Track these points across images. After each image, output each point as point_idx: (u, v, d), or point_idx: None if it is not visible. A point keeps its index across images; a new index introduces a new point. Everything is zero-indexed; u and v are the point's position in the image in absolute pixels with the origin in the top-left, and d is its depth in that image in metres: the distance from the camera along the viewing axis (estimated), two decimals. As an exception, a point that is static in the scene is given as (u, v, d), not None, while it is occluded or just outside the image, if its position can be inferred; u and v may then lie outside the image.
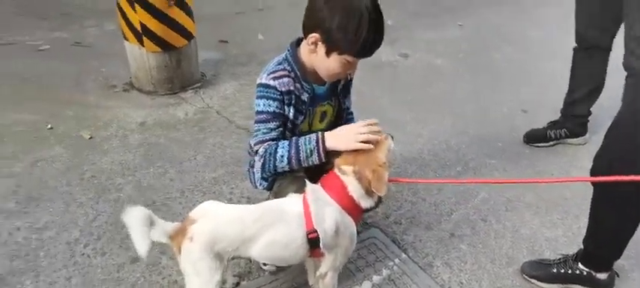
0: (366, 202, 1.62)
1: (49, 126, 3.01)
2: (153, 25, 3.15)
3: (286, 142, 1.72)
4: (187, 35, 3.37)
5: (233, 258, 1.66)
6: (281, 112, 1.74)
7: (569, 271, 1.98)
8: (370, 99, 3.63)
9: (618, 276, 2.01)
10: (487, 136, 3.21)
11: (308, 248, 1.60)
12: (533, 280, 2.05)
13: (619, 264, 2.15)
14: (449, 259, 2.18)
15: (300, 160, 1.70)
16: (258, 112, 1.75)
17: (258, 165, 1.76)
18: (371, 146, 1.61)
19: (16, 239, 2.15)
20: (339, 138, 1.66)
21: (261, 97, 1.73)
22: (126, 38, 3.33)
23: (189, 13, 3.34)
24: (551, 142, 3.09)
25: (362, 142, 1.61)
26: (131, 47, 3.34)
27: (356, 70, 1.78)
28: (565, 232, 2.37)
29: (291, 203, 1.61)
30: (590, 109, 3.02)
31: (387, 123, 3.22)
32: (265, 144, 1.73)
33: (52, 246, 2.13)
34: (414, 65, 4.32)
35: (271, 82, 1.71)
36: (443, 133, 3.21)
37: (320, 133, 1.70)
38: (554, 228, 2.40)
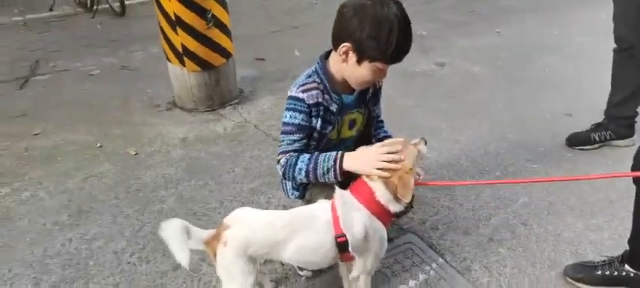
0: (394, 207, 1.63)
1: (99, 144, 3.20)
2: (193, 46, 3.30)
3: (307, 156, 1.77)
4: (226, 54, 3.51)
5: (266, 261, 1.70)
6: (306, 124, 1.79)
7: (615, 273, 1.90)
8: (403, 108, 3.64)
9: (668, 278, 1.91)
10: (527, 141, 3.14)
11: (337, 252, 1.62)
12: (577, 284, 1.97)
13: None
14: (488, 263, 2.13)
15: (317, 176, 1.75)
16: (285, 124, 1.81)
17: (279, 172, 1.82)
18: (388, 175, 1.59)
19: (68, 250, 2.29)
20: (358, 161, 1.69)
21: (288, 109, 1.80)
22: (168, 59, 3.51)
23: (227, 33, 3.48)
24: (596, 145, 2.98)
25: (381, 168, 1.61)
26: (173, 68, 3.51)
27: (385, 77, 1.80)
28: (611, 235, 2.27)
29: (319, 209, 1.65)
30: (637, 110, 2.91)
31: (420, 131, 3.24)
32: (287, 155, 1.79)
33: (101, 255, 2.25)
34: (450, 74, 4.28)
35: (300, 95, 1.76)
36: (480, 140, 3.16)
37: (340, 153, 1.74)
38: (598, 231, 2.31)
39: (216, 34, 3.35)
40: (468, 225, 2.38)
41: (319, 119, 1.79)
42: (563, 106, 3.56)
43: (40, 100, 3.91)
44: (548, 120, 3.40)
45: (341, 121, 1.90)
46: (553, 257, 2.15)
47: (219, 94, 3.58)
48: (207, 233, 1.64)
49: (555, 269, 2.08)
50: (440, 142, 3.14)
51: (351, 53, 1.68)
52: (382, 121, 2.15)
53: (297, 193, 1.96)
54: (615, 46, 2.77)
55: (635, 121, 2.95)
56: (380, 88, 2.00)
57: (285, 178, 1.83)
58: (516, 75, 4.21)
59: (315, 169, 1.74)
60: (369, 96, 1.93)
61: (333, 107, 1.81)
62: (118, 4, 6.22)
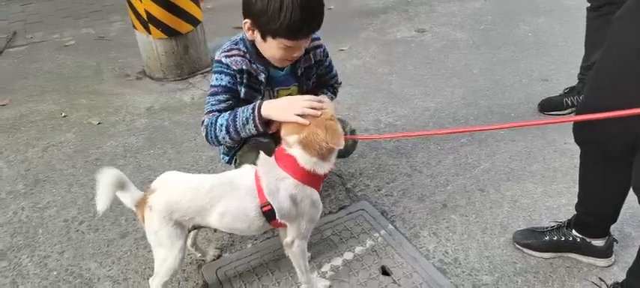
0: (322, 168, 1.56)
1: (63, 114, 3.16)
2: (157, 12, 3.22)
3: (228, 112, 1.71)
4: (193, 21, 3.43)
5: (195, 227, 1.67)
6: (232, 87, 1.74)
7: (562, 238, 1.84)
8: (380, 76, 3.55)
9: (617, 242, 1.85)
10: (500, 107, 3.05)
11: (265, 220, 1.58)
12: (525, 249, 1.92)
13: (626, 231, 2.00)
14: (437, 229, 2.08)
15: (237, 130, 1.68)
16: (211, 86, 1.77)
17: (203, 135, 1.76)
18: (306, 122, 1.50)
19: (19, 218, 2.27)
20: (276, 107, 1.61)
21: (215, 73, 1.76)
22: (135, 27, 3.43)
23: (193, -1, 3.39)
24: (568, 110, 2.89)
25: (300, 115, 1.52)
26: (140, 36, 3.44)
27: (302, 50, 1.73)
28: (569, 201, 2.20)
29: (243, 175, 1.58)
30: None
31: (392, 98, 3.18)
32: (211, 115, 1.74)
33: (51, 223, 2.23)
34: (431, 40, 4.16)
35: (224, 60, 1.73)
36: (450, 106, 3.08)
37: (259, 101, 1.67)
38: (557, 197, 2.24)
39: (181, 0, 3.26)
40: (423, 192, 2.32)
41: (243, 86, 1.75)
42: (540, 71, 3.46)
43: (12, 72, 3.87)
44: (524, 85, 3.30)
45: (277, 96, 1.85)
46: (505, 223, 2.10)
47: (188, 63, 3.51)
48: (139, 194, 1.61)
49: (505, 235, 2.03)
50: (410, 109, 3.07)
51: (255, 30, 1.65)
52: (334, 77, 2.07)
53: (227, 158, 1.92)
54: (588, 4, 2.65)
55: (610, 85, 2.84)
56: (317, 61, 1.92)
57: (208, 141, 1.77)
58: (498, 39, 4.09)
59: (234, 121, 1.68)
60: (301, 71, 1.86)
61: (261, 76, 1.76)
62: (101, -26, 6.11)
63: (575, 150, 2.51)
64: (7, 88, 3.58)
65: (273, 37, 1.61)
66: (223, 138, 1.73)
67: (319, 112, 1.51)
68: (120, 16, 5.03)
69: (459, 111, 3.02)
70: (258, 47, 1.73)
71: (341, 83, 2.11)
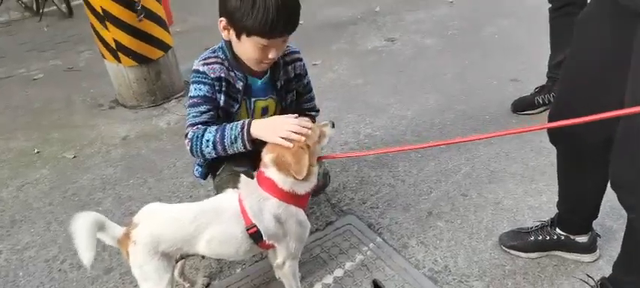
0: (301, 188, 1.57)
1: (36, 150, 3.08)
2: (126, 40, 3.18)
3: (214, 127, 1.70)
4: (163, 47, 3.40)
5: (182, 257, 1.64)
6: (212, 96, 1.73)
7: (547, 238, 1.88)
8: (354, 87, 3.58)
9: (600, 237, 1.90)
10: (474, 110, 3.11)
11: (252, 242, 1.57)
12: (512, 251, 1.96)
13: (608, 225, 2.05)
14: (425, 238, 2.10)
15: (225, 146, 1.67)
16: (190, 97, 1.76)
17: (187, 148, 1.74)
18: (290, 145, 1.52)
19: (-3, 262, 2.20)
20: (266, 127, 1.61)
21: (193, 83, 1.75)
22: (104, 57, 3.38)
23: (162, 25, 3.36)
24: (540, 109, 2.97)
25: (285, 138, 1.54)
26: (110, 65, 3.39)
27: (278, 52, 1.70)
28: (549, 198, 2.25)
29: (226, 200, 1.58)
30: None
31: (369, 109, 3.21)
32: (194, 128, 1.72)
33: (32, 264, 2.16)
34: (401, 49, 4.23)
35: (201, 68, 1.72)
36: (427, 113, 3.13)
37: (248, 120, 1.67)
38: (538, 195, 2.29)
39: (149, 27, 3.23)
40: (408, 201, 2.34)
41: (222, 94, 1.74)
42: (510, 72, 3.55)
43: (-22, 110, 3.76)
44: (495, 87, 3.38)
45: (254, 106, 1.84)
46: (491, 226, 2.13)
47: (161, 88, 3.47)
48: (121, 231, 1.57)
49: (492, 238, 2.06)
50: (388, 119, 3.10)
51: (230, 29, 1.64)
52: (311, 100, 2.07)
53: (200, 170, 1.93)
54: (549, 5, 2.74)
55: (578, 82, 2.94)
56: (297, 75, 1.92)
57: (193, 154, 1.75)
58: (466, 44, 4.18)
59: (222, 138, 1.67)
60: (280, 84, 1.86)
61: (239, 84, 1.76)
62: (64, 5, 6.01)
63: (552, 148, 2.56)
64: (-26, 127, 3.47)
65: (248, 34, 1.59)
66: (209, 153, 1.71)
67: (303, 138, 1.52)
68: (87, 45, 4.94)
69: (435, 117, 3.07)
70: (235, 49, 1.72)
71: (319, 112, 2.11)
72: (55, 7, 6.17)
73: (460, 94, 3.33)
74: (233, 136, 1.65)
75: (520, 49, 3.95)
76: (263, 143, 1.62)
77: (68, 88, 3.99)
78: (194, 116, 1.73)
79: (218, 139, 1.67)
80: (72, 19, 6.05)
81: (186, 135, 1.74)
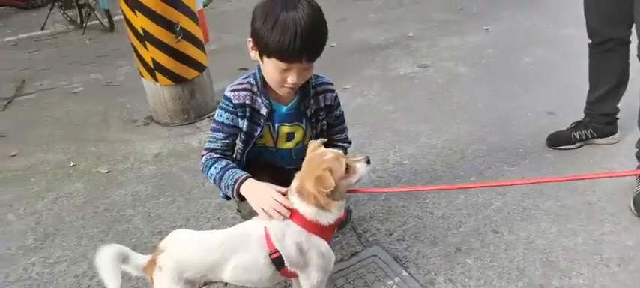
0: (325, 218, 1.56)
1: (72, 163, 3.18)
2: (163, 60, 3.28)
3: (221, 165, 1.80)
4: (199, 67, 3.47)
5: (205, 284, 1.65)
6: (230, 124, 1.82)
7: None
8: (384, 113, 3.57)
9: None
10: (507, 142, 3.04)
11: (274, 268, 1.57)
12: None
13: None
14: (453, 275, 2.05)
15: (221, 188, 1.81)
16: (214, 121, 1.86)
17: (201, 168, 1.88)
18: (267, 218, 1.59)
19: (30, 274, 2.26)
20: (252, 193, 1.69)
21: (219, 107, 1.84)
22: (142, 75, 3.48)
23: (199, 45, 3.44)
24: (577, 144, 2.88)
25: (265, 211, 1.60)
26: (147, 83, 3.49)
27: (298, 78, 1.69)
28: (585, 240, 2.17)
29: (252, 226, 1.61)
30: (618, 106, 2.79)
31: (399, 137, 3.18)
32: (208, 154, 1.84)
33: (62, 279, 2.21)
34: (434, 75, 4.19)
35: (228, 94, 1.81)
36: (458, 143, 3.08)
37: (243, 177, 1.74)
38: (572, 236, 2.21)
39: (186, 47, 3.32)
40: (436, 234, 2.29)
41: (245, 120, 1.81)
42: (546, 104, 3.46)
43: (21, 121, 3.91)
44: (530, 119, 3.30)
45: (278, 131, 1.87)
46: (522, 267, 2.06)
47: (194, 107, 3.54)
48: (144, 259, 1.60)
49: (523, 279, 1.99)
50: (417, 148, 3.06)
51: (256, 49, 1.69)
52: (347, 144, 2.10)
53: (221, 193, 1.99)
54: (589, 40, 2.67)
55: (617, 118, 2.84)
56: (328, 106, 1.93)
57: (203, 173, 1.89)
58: (501, 73, 4.11)
59: (220, 180, 1.79)
60: (310, 112, 1.87)
61: (263, 110, 1.80)
62: (106, 19, 6.24)
63: (587, 186, 2.53)
64: (16, 137, 3.62)
65: (268, 56, 1.63)
66: (210, 182, 1.87)
67: (281, 217, 1.57)
68: (126, 60, 5.11)
69: (466, 148, 3.01)
70: (262, 70, 1.76)
71: (351, 144, 2.12)
72: (97, 22, 6.42)
73: (493, 125, 3.26)
74: (226, 185, 1.77)
75: (557, 80, 3.85)
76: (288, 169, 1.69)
77: (106, 103, 4.12)
78: (211, 142, 1.86)
79: (217, 180, 1.80)
80: (113, 34, 6.27)
81: (201, 156, 1.88)
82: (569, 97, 3.50)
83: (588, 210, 2.38)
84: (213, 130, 1.85)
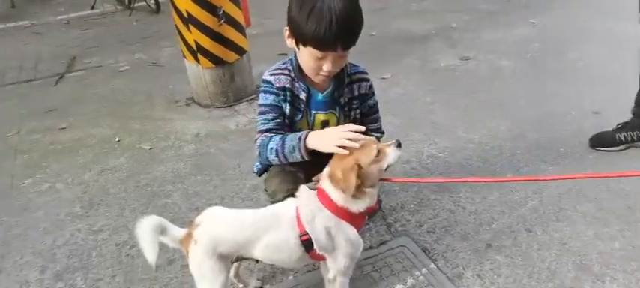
0: (356, 207, 1.59)
1: (118, 139, 3.32)
2: (206, 43, 3.36)
3: (279, 136, 1.78)
4: (239, 51, 3.54)
5: (237, 259, 1.72)
6: (277, 104, 1.83)
7: None
8: (420, 105, 3.54)
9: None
10: (548, 141, 2.97)
11: (303, 250, 1.61)
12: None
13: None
14: (481, 270, 2.04)
15: (285, 155, 1.74)
16: (259, 105, 1.87)
17: (256, 153, 1.86)
18: (345, 152, 1.56)
19: (75, 240, 2.40)
20: (321, 139, 1.66)
21: (261, 91, 1.86)
22: (184, 57, 3.58)
23: (240, 30, 3.51)
24: (621, 146, 2.78)
25: (341, 146, 1.58)
26: (189, 65, 3.59)
27: (333, 66, 1.71)
28: (622, 246, 2.11)
29: (285, 207, 1.65)
30: (668, 108, 2.68)
31: (435, 129, 3.16)
32: (263, 135, 1.82)
33: (104, 246, 2.34)
34: (475, 68, 4.11)
35: (268, 77, 1.84)
36: (496, 139, 3.03)
37: (306, 132, 1.72)
38: (609, 241, 2.15)
39: (228, 31, 3.39)
40: (467, 229, 2.28)
41: (287, 104, 1.83)
42: (592, 103, 3.35)
43: (71, 96, 4.11)
44: (573, 118, 3.20)
45: (314, 119, 1.90)
46: (553, 268, 2.03)
47: (234, 90, 3.62)
48: (181, 232, 1.68)
49: (554, 281, 1.96)
50: (453, 141, 3.03)
51: (292, 38, 1.71)
52: (376, 121, 2.09)
53: (259, 167, 2.05)
54: (643, 38, 2.57)
55: (667, 121, 2.72)
56: (362, 95, 1.94)
57: (260, 159, 1.88)
58: (546, 68, 3.99)
59: (283, 147, 1.75)
60: (344, 100, 1.89)
61: (302, 95, 1.83)
62: (153, 1, 6.42)
63: (630, 190, 2.45)
64: (66, 111, 3.80)
65: (304, 44, 1.65)
66: (273, 160, 1.80)
67: (357, 144, 1.55)
68: (170, 42, 5.24)
69: (505, 144, 2.96)
70: (298, 58, 1.79)
71: (384, 134, 2.11)
72: (144, 3, 6.61)
73: (534, 122, 3.19)
74: (291, 147, 1.72)
75: (605, 79, 3.71)
76: (320, 155, 1.66)
77: (150, 82, 4.27)
78: (262, 124, 1.84)
79: (279, 149, 1.75)
80: (158, 16, 6.45)
81: (255, 141, 1.85)
82: (617, 96, 3.36)
83: (628, 215, 2.30)
84: (262, 113, 1.85)
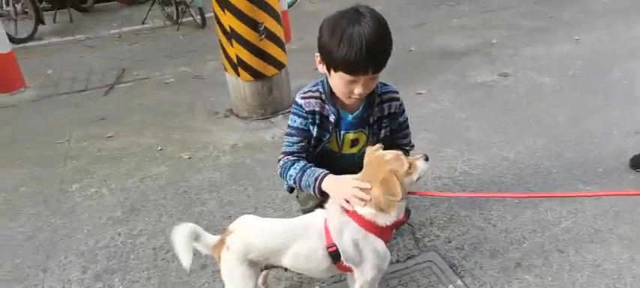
0: (383, 220, 1.63)
1: (159, 148, 3.49)
2: (246, 57, 3.49)
3: (299, 166, 1.88)
4: (278, 65, 3.65)
5: (267, 267, 1.78)
6: (304, 128, 1.91)
7: None
8: (455, 121, 3.52)
9: None
10: (586, 160, 2.89)
11: (330, 261, 1.66)
12: None
13: None
14: (509, 289, 2.02)
15: (301, 186, 1.87)
16: (288, 126, 1.96)
17: (278, 171, 1.97)
18: (350, 207, 1.65)
19: (115, 243, 2.54)
20: (334, 187, 1.76)
21: (292, 113, 1.94)
22: (226, 70, 3.73)
23: (280, 44, 3.62)
24: (664, 168, 2.68)
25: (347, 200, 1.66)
26: (230, 78, 3.73)
27: (364, 89, 1.76)
28: (660, 271, 2.04)
29: (314, 218, 1.71)
30: None
31: (469, 146, 3.15)
32: (285, 158, 1.92)
33: (142, 250, 2.46)
34: (513, 85, 4.05)
35: (299, 101, 1.91)
36: (532, 157, 2.98)
37: (322, 174, 1.81)
38: (647, 265, 2.08)
39: (268, 46, 3.51)
40: (497, 247, 2.26)
41: (315, 127, 1.90)
42: (634, 123, 3.23)
43: (119, 106, 4.34)
44: (614, 137, 3.10)
45: (343, 138, 1.94)
46: (584, 289, 1.99)
47: (271, 103, 3.73)
48: (214, 239, 1.76)
49: (584, 304, 1.92)
50: (488, 158, 3.01)
51: (323, 63, 1.77)
52: (406, 137, 2.12)
53: (286, 186, 2.12)
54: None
55: None
56: (392, 114, 1.98)
57: (281, 177, 1.99)
58: (588, 86, 3.89)
59: (300, 179, 1.87)
60: (373, 119, 1.94)
61: (331, 117, 1.88)
62: (199, 16, 6.68)
63: None
64: (114, 120, 4.02)
65: (335, 69, 1.71)
66: (291, 184, 1.95)
67: (363, 203, 1.62)
68: (213, 55, 5.44)
69: (541, 162, 2.91)
70: (330, 82, 1.85)
71: (413, 147, 2.15)
72: (191, 18, 6.89)
73: (572, 141, 3.11)
74: (307, 183, 1.85)
75: (650, 96, 3.58)
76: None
77: (192, 94, 4.45)
78: (287, 145, 1.95)
79: (297, 179, 1.88)
80: (204, 30, 6.70)
81: (278, 160, 1.96)
82: (663, 117, 3.25)
83: (669, 239, 2.22)
84: (289, 134, 1.95)
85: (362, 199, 1.62)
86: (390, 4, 7.01)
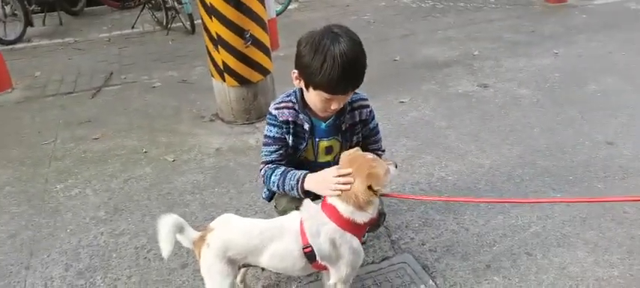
0: (360, 217, 1.71)
1: (144, 150, 3.54)
2: (232, 63, 3.56)
3: (280, 171, 1.95)
4: (264, 71, 3.73)
5: (244, 265, 1.85)
6: (281, 137, 1.97)
7: None
8: (437, 129, 3.62)
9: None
10: (557, 169, 3.00)
11: (306, 260, 1.73)
12: None
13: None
14: (478, 289, 2.11)
15: (285, 190, 1.94)
16: (264, 136, 2.02)
17: (261, 180, 2.03)
18: (338, 193, 1.71)
19: (98, 242, 2.58)
20: (317, 183, 1.84)
21: (267, 124, 2.01)
22: (212, 75, 3.80)
23: (265, 51, 3.70)
24: (632, 177, 2.79)
25: (333, 190, 1.74)
26: (216, 83, 3.80)
27: (340, 104, 1.87)
28: (621, 274, 2.13)
29: (290, 220, 1.78)
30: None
31: (447, 154, 3.24)
32: (266, 166, 2.00)
33: (124, 249, 2.51)
34: (492, 96, 4.17)
35: (273, 111, 1.97)
36: (506, 165, 3.08)
37: (303, 175, 1.89)
38: (609, 268, 2.17)
39: (254, 52, 3.58)
40: (468, 250, 2.35)
41: (291, 135, 1.96)
42: (606, 134, 3.36)
43: (106, 109, 4.38)
44: (587, 147, 3.22)
45: (318, 146, 2.03)
46: (549, 291, 2.08)
47: (256, 108, 3.80)
48: (196, 234, 1.82)
49: (549, 303, 2.01)
50: (464, 165, 3.10)
51: (301, 80, 1.83)
52: (377, 142, 2.20)
53: (267, 193, 2.21)
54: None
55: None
56: (363, 120, 2.07)
57: (265, 185, 2.06)
58: (564, 98, 4.02)
59: (283, 184, 1.93)
60: (345, 126, 2.02)
61: (306, 126, 1.95)
62: (189, 23, 6.75)
63: (634, 219, 2.47)
64: (101, 123, 4.06)
65: (315, 88, 1.79)
66: (275, 190, 2.02)
67: (348, 186, 1.69)
68: (201, 61, 5.48)
69: (514, 170, 3.01)
70: (304, 96, 1.92)
71: (384, 151, 2.23)
72: (181, 24, 6.95)
73: (546, 150, 3.22)
74: (290, 186, 1.92)
75: (622, 110, 3.71)
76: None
77: (179, 98, 4.50)
78: (266, 155, 2.02)
79: (280, 184, 1.95)
80: (193, 36, 6.75)
81: (260, 169, 2.04)
82: (633, 128, 3.38)
83: (631, 244, 2.32)
84: (266, 144, 2.01)
85: (346, 184, 1.69)
86: (377, 15, 7.16)
